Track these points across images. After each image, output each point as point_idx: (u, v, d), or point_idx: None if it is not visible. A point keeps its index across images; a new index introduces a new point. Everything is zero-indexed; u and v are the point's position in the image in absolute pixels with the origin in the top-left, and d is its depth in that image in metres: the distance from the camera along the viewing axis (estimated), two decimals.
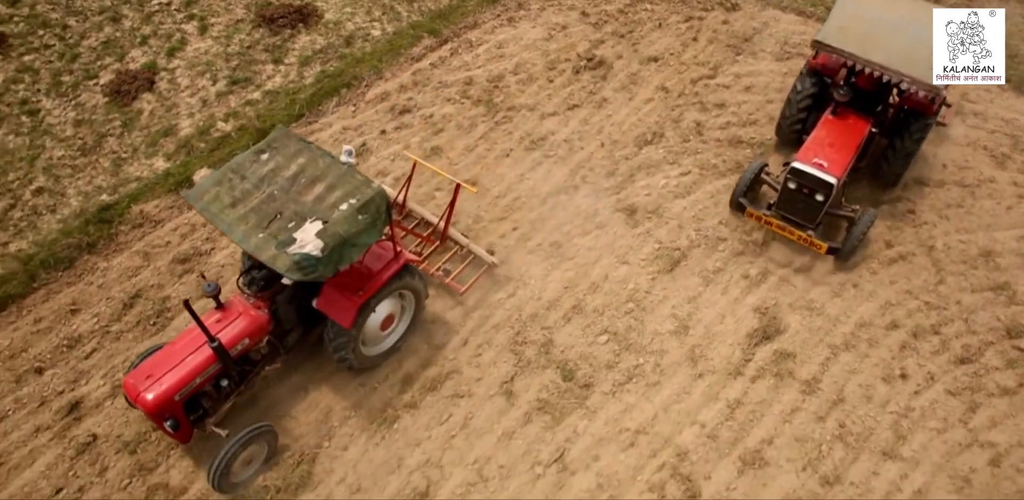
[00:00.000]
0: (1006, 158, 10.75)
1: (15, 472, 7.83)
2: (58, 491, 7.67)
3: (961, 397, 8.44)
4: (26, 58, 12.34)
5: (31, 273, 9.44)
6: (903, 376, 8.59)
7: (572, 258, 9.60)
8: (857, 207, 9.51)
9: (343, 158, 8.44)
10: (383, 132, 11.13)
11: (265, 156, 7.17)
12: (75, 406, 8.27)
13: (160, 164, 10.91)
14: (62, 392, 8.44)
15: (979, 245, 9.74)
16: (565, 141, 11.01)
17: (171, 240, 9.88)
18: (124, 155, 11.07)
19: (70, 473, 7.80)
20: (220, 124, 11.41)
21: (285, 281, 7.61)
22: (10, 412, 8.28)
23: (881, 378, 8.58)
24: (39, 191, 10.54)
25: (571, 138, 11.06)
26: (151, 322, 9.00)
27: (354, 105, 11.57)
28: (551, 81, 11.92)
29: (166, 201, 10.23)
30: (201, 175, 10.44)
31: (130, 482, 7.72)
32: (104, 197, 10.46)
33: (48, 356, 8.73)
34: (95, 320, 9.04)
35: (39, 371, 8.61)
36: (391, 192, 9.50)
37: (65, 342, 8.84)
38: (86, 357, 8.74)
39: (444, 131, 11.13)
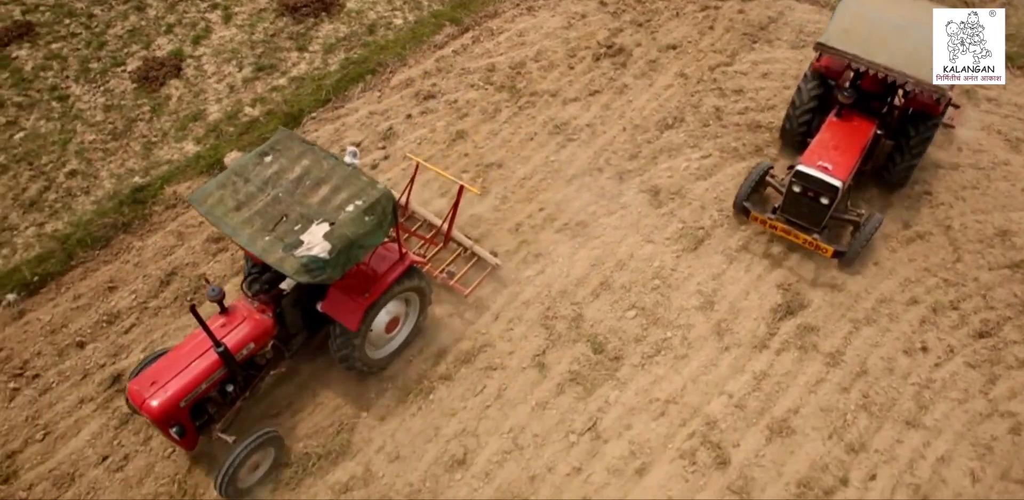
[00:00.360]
0: (1020, 142, 10.99)
1: (62, 441, 8.03)
2: (104, 458, 7.87)
3: (981, 369, 8.67)
4: (54, 46, 12.54)
5: (69, 252, 9.64)
6: (924, 349, 8.81)
7: (598, 237, 9.82)
8: (863, 211, 9.53)
9: (347, 159, 8.40)
10: (409, 116, 11.34)
11: (268, 158, 7.08)
12: (117, 378, 8.46)
13: (190, 148, 11.11)
14: (104, 365, 8.64)
15: (995, 225, 9.97)
16: (588, 125, 11.23)
17: (204, 220, 10.07)
18: (154, 139, 11.27)
19: (115, 442, 8.00)
20: (248, 109, 11.62)
21: (284, 286, 7.62)
22: (54, 384, 8.48)
23: (902, 351, 8.80)
24: (72, 173, 10.73)
25: (593, 122, 11.29)
26: (188, 298, 9.19)
27: (379, 91, 11.79)
28: (572, 68, 12.14)
29: (198, 183, 10.40)
30: (232, 158, 10.64)
31: (174, 450, 7.90)
32: (136, 179, 10.66)
33: (88, 331, 8.93)
34: (133, 297, 9.24)
35: (80, 345, 8.80)
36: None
37: (105, 318, 9.04)
38: (125, 332, 8.93)
39: (469, 116, 11.35)
